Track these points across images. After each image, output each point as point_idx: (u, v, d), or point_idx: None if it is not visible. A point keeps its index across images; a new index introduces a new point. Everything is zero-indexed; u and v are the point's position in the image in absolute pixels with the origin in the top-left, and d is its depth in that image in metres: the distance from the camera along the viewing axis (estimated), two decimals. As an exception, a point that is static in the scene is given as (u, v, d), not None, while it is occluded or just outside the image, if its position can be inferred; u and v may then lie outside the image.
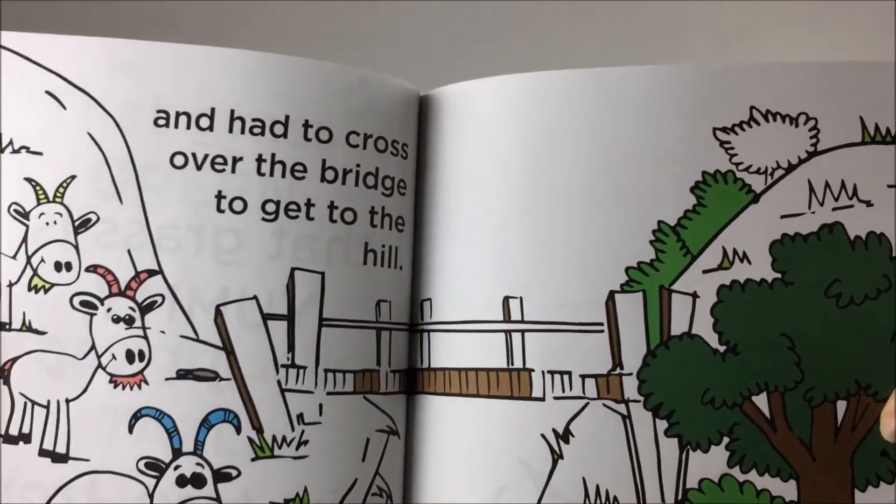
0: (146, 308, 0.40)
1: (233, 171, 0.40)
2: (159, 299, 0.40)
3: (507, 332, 0.41)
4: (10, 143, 0.40)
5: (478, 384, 0.41)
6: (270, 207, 0.40)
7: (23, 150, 0.40)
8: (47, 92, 0.40)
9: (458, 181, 0.43)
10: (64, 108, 0.40)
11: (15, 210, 0.40)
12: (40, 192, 0.40)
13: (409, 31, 0.73)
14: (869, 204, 0.39)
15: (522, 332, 0.41)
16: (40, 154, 0.40)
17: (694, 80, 0.41)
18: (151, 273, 0.40)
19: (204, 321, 0.40)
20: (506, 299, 0.41)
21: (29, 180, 0.40)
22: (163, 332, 0.39)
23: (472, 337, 0.42)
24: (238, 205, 0.40)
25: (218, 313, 0.40)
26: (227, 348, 0.40)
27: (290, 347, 0.40)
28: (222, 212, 0.40)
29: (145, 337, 0.39)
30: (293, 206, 0.41)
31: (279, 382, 0.40)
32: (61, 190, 0.40)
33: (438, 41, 0.69)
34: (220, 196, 0.40)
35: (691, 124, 0.40)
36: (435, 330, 0.43)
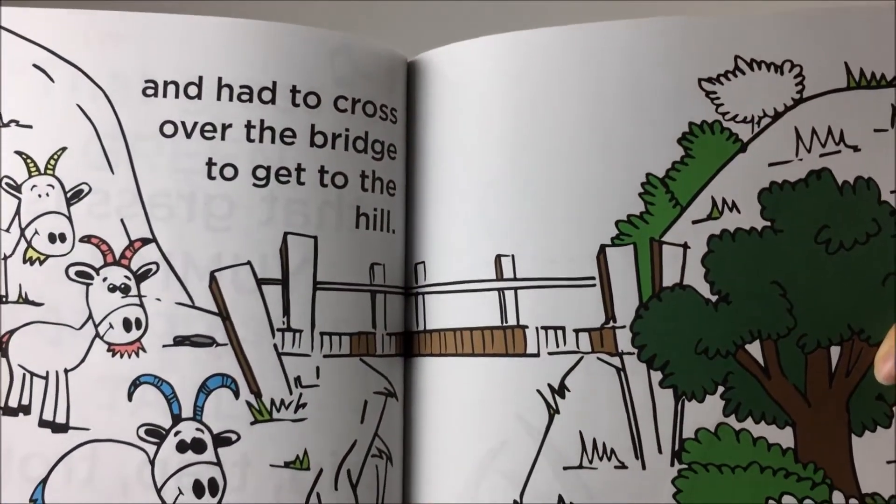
0: (141, 276, 0.40)
1: (222, 138, 0.41)
2: (154, 267, 0.40)
3: (500, 291, 0.41)
4: (0, 116, 0.40)
5: (473, 343, 0.42)
6: (261, 173, 0.41)
7: (12, 124, 0.40)
8: (35, 65, 0.40)
9: (447, 143, 0.43)
10: (52, 80, 0.40)
11: (7, 183, 0.40)
12: (31, 164, 0.40)
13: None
14: (856, 149, 0.39)
15: (515, 289, 0.41)
16: (30, 127, 0.40)
17: (678, 31, 0.41)
18: (145, 241, 0.40)
19: (199, 287, 0.40)
20: (498, 258, 0.41)
21: (20, 153, 0.40)
22: (158, 299, 0.40)
23: (465, 297, 0.42)
24: (229, 171, 0.40)
25: (212, 279, 0.40)
26: (223, 314, 0.40)
27: (286, 311, 0.40)
28: (213, 179, 0.40)
29: (141, 305, 0.40)
30: (284, 172, 0.41)
31: (275, 346, 0.40)
32: (52, 162, 0.40)
33: (426, 8, 0.69)
34: (210, 163, 0.40)
35: (676, 76, 0.41)
36: (429, 292, 0.43)
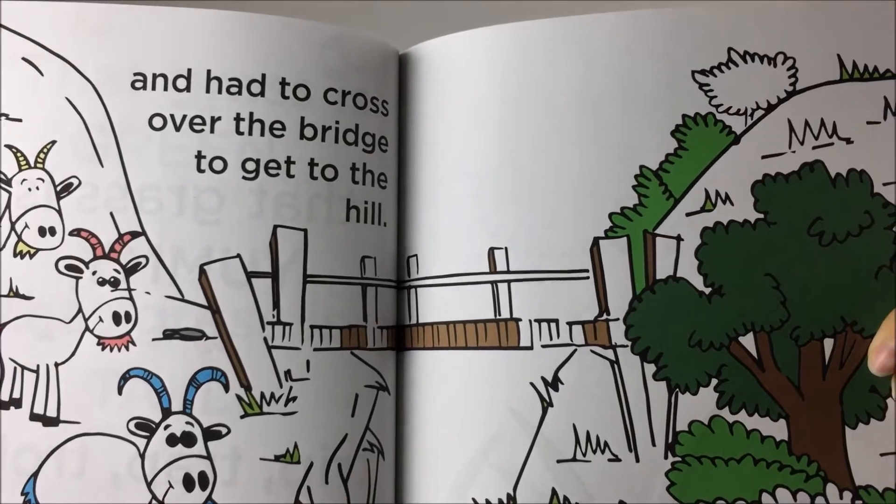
0: (131, 270, 0.40)
1: (211, 130, 0.40)
2: (143, 261, 0.40)
3: (494, 283, 0.41)
4: (-10, 110, 0.40)
5: (466, 336, 0.41)
6: (250, 166, 0.40)
7: (2, 118, 0.40)
8: (24, 59, 0.40)
9: (439, 135, 0.43)
10: (41, 74, 0.40)
11: (-3, 177, 0.40)
12: (21, 158, 0.40)
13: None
14: (849, 141, 0.39)
15: (508, 282, 0.41)
16: (20, 121, 0.40)
17: (671, 23, 0.41)
18: (134, 235, 0.40)
19: (188, 281, 0.40)
20: (491, 250, 0.41)
21: (9, 147, 0.40)
22: (148, 293, 0.40)
23: (458, 290, 0.42)
24: (218, 164, 0.40)
25: (202, 272, 0.40)
26: (213, 307, 0.40)
27: (276, 304, 0.40)
28: (202, 172, 0.40)
29: (131, 298, 0.40)
30: (273, 164, 0.41)
31: (265, 339, 0.40)
32: (42, 155, 0.40)
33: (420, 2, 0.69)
34: (199, 156, 0.40)
35: (670, 68, 0.40)
36: (422, 285, 0.43)
